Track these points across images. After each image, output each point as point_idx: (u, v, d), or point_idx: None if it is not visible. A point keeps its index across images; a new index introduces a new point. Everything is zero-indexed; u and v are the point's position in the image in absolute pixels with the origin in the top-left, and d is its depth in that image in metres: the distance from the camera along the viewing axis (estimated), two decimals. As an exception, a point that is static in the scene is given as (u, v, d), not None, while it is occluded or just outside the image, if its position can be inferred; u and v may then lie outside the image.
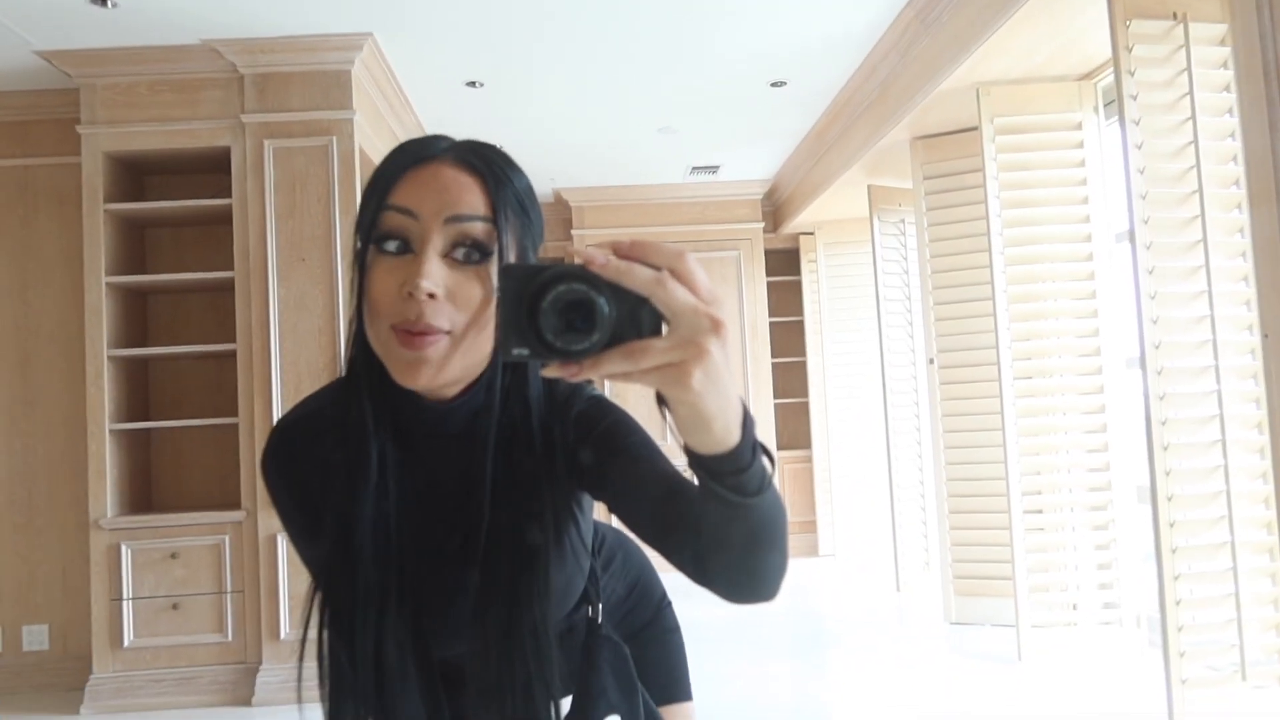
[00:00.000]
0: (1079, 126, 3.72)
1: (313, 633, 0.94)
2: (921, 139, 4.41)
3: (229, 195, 3.84)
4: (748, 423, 0.68)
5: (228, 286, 3.87)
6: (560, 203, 6.65)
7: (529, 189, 0.93)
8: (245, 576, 3.73)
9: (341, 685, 0.95)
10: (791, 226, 6.57)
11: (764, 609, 4.91)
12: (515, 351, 0.61)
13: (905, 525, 5.15)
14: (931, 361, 4.43)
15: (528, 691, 0.91)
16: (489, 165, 0.90)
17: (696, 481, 0.72)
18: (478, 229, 0.86)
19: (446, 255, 0.85)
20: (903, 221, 5.21)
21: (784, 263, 7.01)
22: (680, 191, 6.57)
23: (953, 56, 3.51)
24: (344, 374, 0.96)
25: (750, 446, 0.68)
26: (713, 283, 0.65)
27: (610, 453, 0.90)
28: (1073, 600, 3.71)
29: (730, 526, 0.72)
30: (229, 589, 3.72)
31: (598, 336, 0.60)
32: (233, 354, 3.84)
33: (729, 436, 0.66)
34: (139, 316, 4.08)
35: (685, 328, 0.60)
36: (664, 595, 1.28)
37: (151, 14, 3.44)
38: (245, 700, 3.67)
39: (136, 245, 4.09)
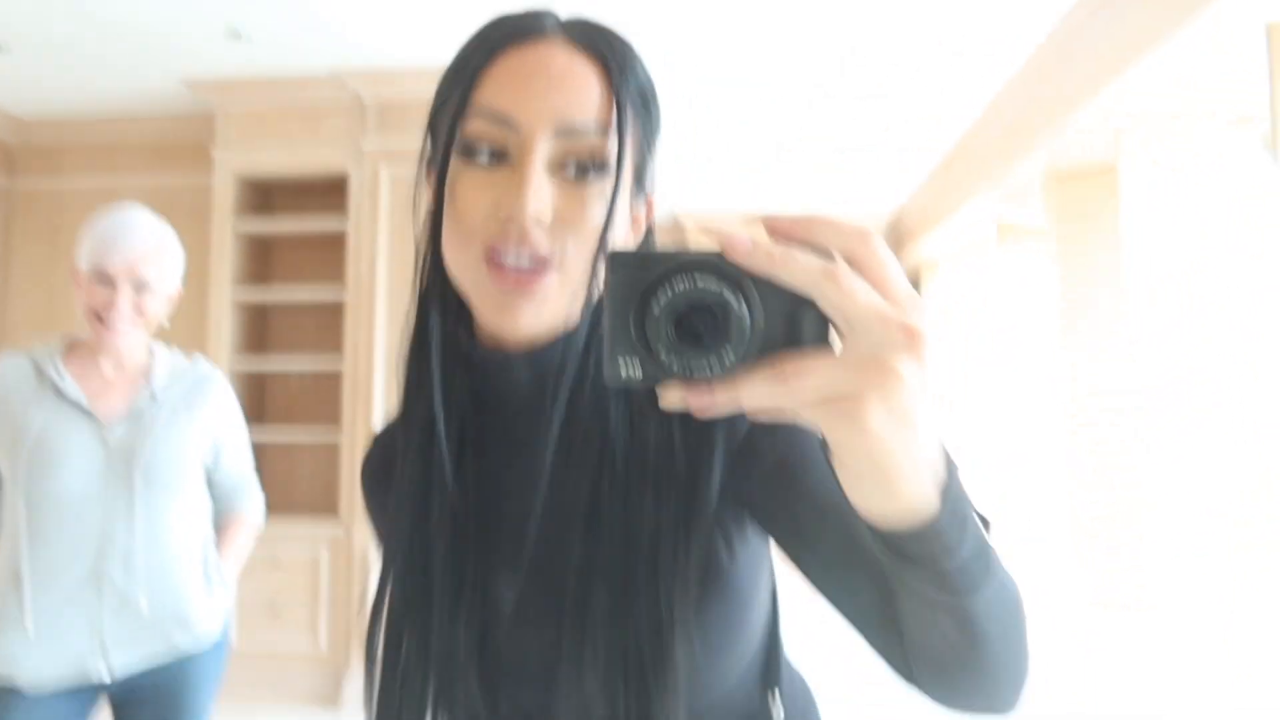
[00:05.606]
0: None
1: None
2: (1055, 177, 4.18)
3: (345, 218, 3.94)
4: (953, 482, 0.46)
5: (338, 307, 3.97)
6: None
7: (650, 79, 0.71)
8: (338, 589, 3.80)
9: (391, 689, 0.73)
10: (911, 255, 6.36)
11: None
12: (623, 370, 0.44)
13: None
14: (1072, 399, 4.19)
15: None
16: (611, 49, 0.68)
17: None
18: (594, 143, 0.65)
19: (553, 170, 0.65)
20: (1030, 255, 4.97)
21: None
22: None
23: (1090, 87, 3.29)
24: (412, 325, 0.73)
25: (959, 519, 0.47)
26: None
27: (789, 495, 0.65)
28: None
29: (934, 627, 0.52)
30: (324, 599, 3.79)
31: (731, 353, 0.43)
32: (339, 372, 3.93)
33: (922, 503, 0.45)
34: (258, 329, 4.22)
35: (865, 341, 0.41)
36: None
37: (282, 47, 3.56)
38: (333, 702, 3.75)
39: (261, 262, 4.23)
